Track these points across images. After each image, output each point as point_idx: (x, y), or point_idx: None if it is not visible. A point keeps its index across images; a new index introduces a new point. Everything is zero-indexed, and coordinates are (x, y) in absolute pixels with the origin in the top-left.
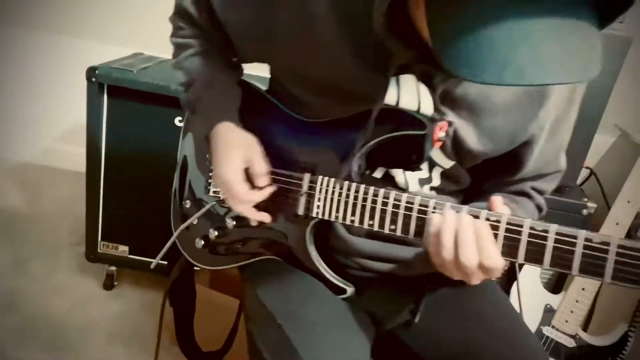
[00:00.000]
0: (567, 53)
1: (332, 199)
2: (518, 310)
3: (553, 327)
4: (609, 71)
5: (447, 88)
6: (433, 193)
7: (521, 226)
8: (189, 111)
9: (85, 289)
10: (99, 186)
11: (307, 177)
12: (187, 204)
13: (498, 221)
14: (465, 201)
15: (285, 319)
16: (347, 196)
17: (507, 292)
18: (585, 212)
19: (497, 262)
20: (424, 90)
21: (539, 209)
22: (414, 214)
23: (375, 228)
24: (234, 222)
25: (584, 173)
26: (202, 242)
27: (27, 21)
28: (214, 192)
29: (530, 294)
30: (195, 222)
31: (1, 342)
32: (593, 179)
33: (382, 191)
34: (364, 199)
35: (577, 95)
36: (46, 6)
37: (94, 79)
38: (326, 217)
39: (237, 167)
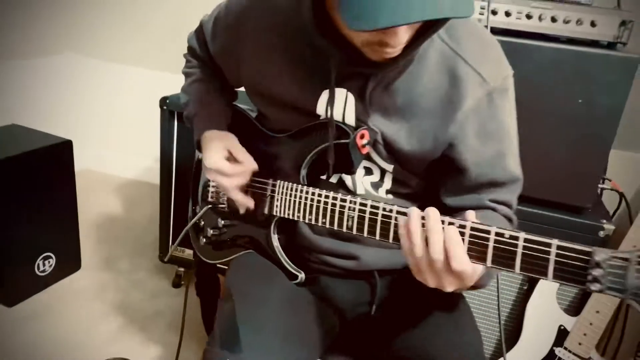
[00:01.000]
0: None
1: (287, 200)
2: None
3: (565, 348)
4: (618, 93)
5: (378, 98)
6: (390, 197)
7: (488, 232)
8: (188, 125)
9: (158, 285)
10: (171, 198)
11: (270, 182)
12: (197, 209)
13: (463, 226)
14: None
15: (238, 296)
16: (300, 197)
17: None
18: (602, 233)
19: (466, 263)
20: (350, 102)
21: (508, 219)
22: (347, 211)
23: (327, 225)
24: (225, 221)
25: (612, 196)
26: (205, 240)
27: (113, 56)
28: (212, 195)
29: (544, 313)
30: (201, 223)
31: (86, 323)
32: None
33: (324, 192)
34: (312, 200)
35: (498, 96)
36: (129, 43)
37: (165, 107)
38: (284, 216)
39: (219, 154)
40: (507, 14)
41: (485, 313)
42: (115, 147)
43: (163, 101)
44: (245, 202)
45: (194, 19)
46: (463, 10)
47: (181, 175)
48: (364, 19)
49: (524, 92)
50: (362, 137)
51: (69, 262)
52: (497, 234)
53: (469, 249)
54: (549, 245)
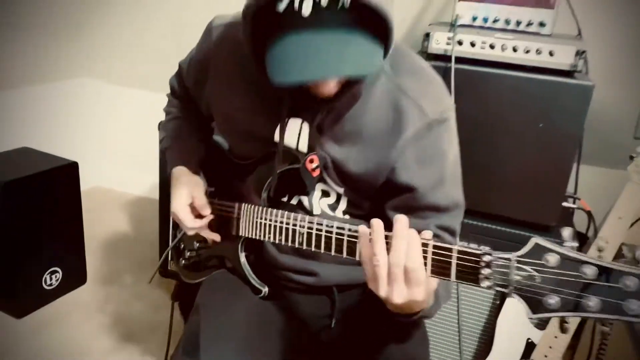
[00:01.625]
0: (330, 61)
1: (250, 222)
2: None
3: None
4: (576, 117)
5: (328, 126)
6: (346, 217)
7: (426, 245)
8: (165, 158)
9: (159, 298)
10: (170, 217)
11: (236, 205)
12: (177, 232)
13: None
14: None
15: (204, 309)
16: (260, 218)
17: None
18: None
19: (422, 275)
20: (304, 130)
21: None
22: (299, 229)
23: (283, 242)
24: (197, 244)
25: (582, 216)
26: (183, 262)
27: (117, 79)
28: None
29: (513, 327)
30: (180, 247)
31: (91, 335)
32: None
33: (280, 212)
34: (269, 220)
35: (437, 127)
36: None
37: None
38: (249, 236)
39: (183, 201)
40: (472, 44)
41: (454, 327)
42: (122, 165)
43: (161, 125)
44: (211, 237)
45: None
46: (360, 69)
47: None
48: (276, 74)
49: (488, 116)
50: (311, 161)
51: (75, 276)
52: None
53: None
54: (450, 250)
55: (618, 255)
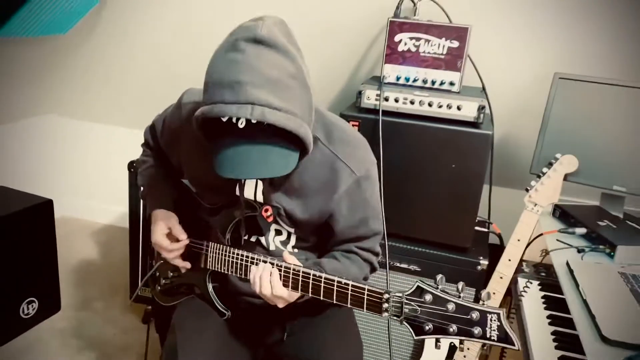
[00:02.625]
0: (255, 166)
1: (215, 257)
2: None
3: None
4: (480, 159)
5: (279, 182)
6: (296, 250)
7: (298, 271)
8: (144, 201)
9: (130, 321)
10: (139, 245)
11: (204, 243)
12: (153, 262)
13: (280, 267)
14: (320, 256)
15: (179, 331)
16: (223, 255)
17: None
18: (479, 267)
19: (282, 292)
20: (260, 186)
21: (367, 261)
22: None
23: (236, 274)
24: (173, 273)
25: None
26: (159, 287)
27: (82, 115)
28: (162, 257)
29: (431, 342)
30: (157, 275)
31: (66, 358)
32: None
33: (240, 251)
34: (230, 256)
35: (363, 182)
36: (99, 103)
37: (132, 170)
38: (215, 268)
39: (161, 230)
40: (396, 100)
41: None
42: (90, 196)
43: (130, 165)
44: (183, 265)
45: (161, 82)
46: (275, 172)
47: (147, 225)
48: (218, 169)
49: (411, 159)
50: (266, 210)
51: (50, 305)
52: (303, 274)
53: (283, 281)
54: (363, 290)
55: (518, 270)
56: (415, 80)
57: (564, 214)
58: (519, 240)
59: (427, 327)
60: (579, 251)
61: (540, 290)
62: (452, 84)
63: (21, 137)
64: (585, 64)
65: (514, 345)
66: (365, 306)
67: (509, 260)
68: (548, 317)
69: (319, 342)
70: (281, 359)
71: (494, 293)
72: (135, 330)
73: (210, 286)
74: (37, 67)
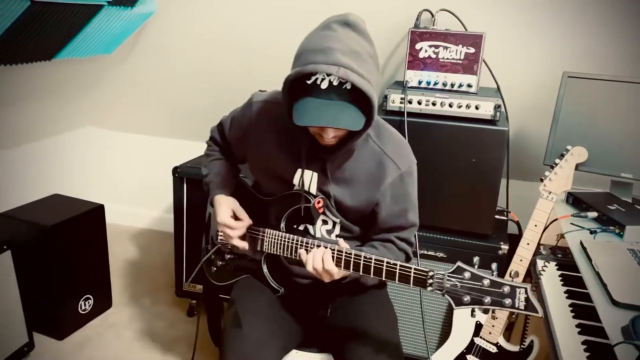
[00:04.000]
0: (331, 117)
1: (271, 242)
2: None
3: (480, 337)
4: (497, 153)
5: (332, 173)
6: (339, 239)
7: (350, 253)
8: (205, 188)
9: (176, 315)
10: (183, 244)
11: (261, 230)
12: (209, 247)
13: (333, 249)
14: (362, 244)
15: (239, 303)
16: (279, 239)
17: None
18: (500, 252)
19: (332, 267)
20: (314, 178)
21: (402, 250)
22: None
23: (290, 256)
24: (230, 256)
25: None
26: (215, 268)
27: (120, 127)
28: (220, 238)
29: (466, 314)
30: (212, 257)
31: (120, 350)
32: None
33: (290, 236)
34: (286, 241)
35: (406, 177)
36: (146, 116)
37: (177, 174)
38: (270, 251)
39: (227, 212)
40: (419, 102)
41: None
42: (131, 202)
43: (175, 170)
44: (243, 246)
45: (196, 97)
46: (346, 125)
47: (190, 226)
48: (297, 118)
49: (434, 155)
50: (318, 202)
51: (104, 301)
52: (355, 255)
53: (336, 262)
54: (410, 269)
55: (536, 252)
56: (435, 84)
57: (576, 200)
58: (536, 225)
59: (465, 299)
60: (591, 232)
61: (558, 270)
62: (469, 85)
63: (70, 148)
64: (591, 63)
65: (537, 313)
66: (411, 282)
67: (528, 243)
68: (565, 292)
69: (359, 315)
70: (326, 331)
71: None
72: (181, 323)
73: (265, 267)
74: (84, 84)
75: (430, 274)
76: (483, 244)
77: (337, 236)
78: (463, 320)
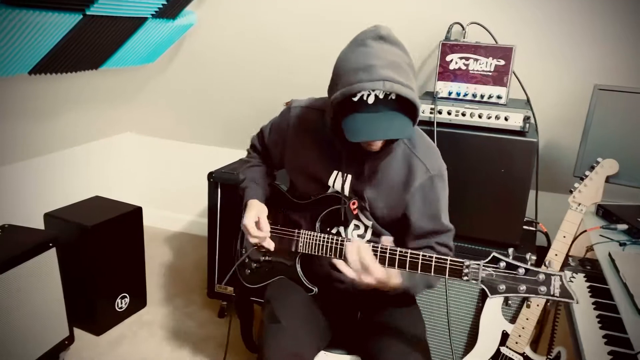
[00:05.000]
0: (384, 130)
1: (306, 242)
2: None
3: (507, 346)
4: (526, 164)
5: (367, 176)
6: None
7: (386, 248)
8: (241, 193)
9: (206, 316)
10: (216, 248)
11: (295, 231)
12: (243, 250)
13: (376, 246)
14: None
15: (275, 301)
16: (314, 239)
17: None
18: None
19: (372, 262)
20: (348, 180)
21: (443, 255)
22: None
23: (325, 255)
24: (264, 258)
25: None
26: (249, 271)
27: (158, 133)
28: (254, 243)
29: (492, 321)
30: (246, 261)
31: (153, 347)
32: None
33: (325, 235)
34: (321, 241)
35: (436, 180)
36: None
37: (211, 179)
38: (305, 251)
39: (252, 218)
40: (449, 112)
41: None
42: (166, 206)
43: (210, 175)
44: (269, 246)
45: (233, 106)
46: (400, 134)
47: (223, 230)
48: (352, 135)
49: (464, 165)
50: (353, 204)
51: (139, 300)
52: (393, 252)
53: (381, 259)
54: (446, 260)
55: (565, 263)
56: (465, 95)
57: (606, 212)
58: (564, 236)
59: (500, 287)
60: (621, 244)
61: (586, 281)
62: (499, 97)
63: (112, 153)
64: (622, 75)
65: (573, 299)
66: (447, 272)
67: (556, 254)
68: (593, 303)
69: (389, 318)
70: (356, 333)
71: None
72: (212, 323)
73: (299, 267)
74: (127, 92)
75: (467, 263)
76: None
77: (368, 241)
78: (489, 329)
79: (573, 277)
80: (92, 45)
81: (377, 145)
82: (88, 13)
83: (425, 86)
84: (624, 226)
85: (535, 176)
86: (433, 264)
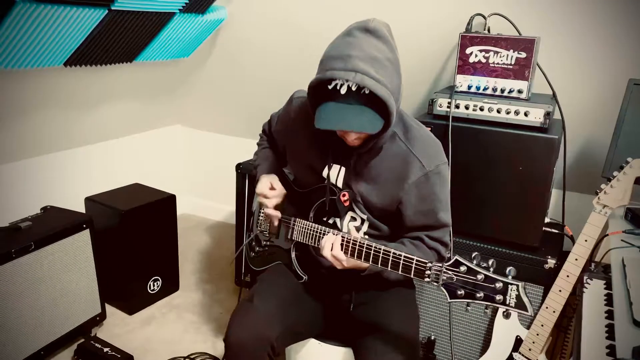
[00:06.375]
0: (348, 122)
1: (300, 231)
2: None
3: (520, 353)
4: (546, 162)
5: (359, 170)
6: (366, 236)
7: (356, 241)
8: (254, 171)
9: (234, 303)
10: (243, 237)
11: (292, 219)
12: (251, 234)
13: (344, 237)
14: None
15: (260, 283)
16: (307, 229)
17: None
18: (546, 266)
19: (340, 254)
20: (342, 172)
21: (432, 249)
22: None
23: (314, 245)
24: (267, 242)
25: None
26: (253, 254)
27: (202, 126)
28: (259, 229)
29: (506, 325)
30: (253, 243)
31: (181, 329)
32: None
33: (315, 225)
34: (312, 231)
35: (432, 176)
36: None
37: (239, 170)
38: (298, 240)
39: (265, 184)
40: (466, 107)
41: (461, 328)
42: (206, 196)
43: (238, 166)
44: (275, 215)
45: (265, 99)
46: (363, 129)
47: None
48: (317, 122)
49: (481, 162)
50: (344, 195)
51: (171, 284)
52: (361, 244)
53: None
54: (412, 259)
55: (586, 269)
56: (485, 89)
57: (634, 217)
58: (586, 240)
59: (459, 292)
60: None
61: (605, 289)
62: (520, 91)
63: (152, 144)
64: None
65: (527, 311)
66: (412, 272)
67: (576, 259)
68: (606, 312)
69: (380, 310)
70: (348, 324)
71: (560, 291)
72: None
73: (293, 254)
74: (164, 85)
75: (429, 265)
76: (529, 256)
77: (365, 234)
78: (503, 333)
79: (588, 282)
80: (122, 39)
81: (352, 137)
82: (113, 8)
83: (451, 80)
84: None
85: (563, 176)
86: (401, 262)
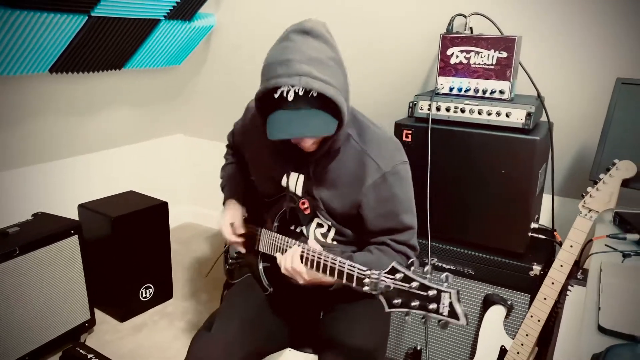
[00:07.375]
0: (301, 128)
1: (265, 241)
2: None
3: None
4: (528, 163)
5: (317, 177)
6: (334, 243)
7: (312, 252)
8: (222, 191)
9: None
10: None
11: (258, 229)
12: (226, 245)
13: (303, 250)
14: (357, 250)
15: (223, 304)
16: (271, 239)
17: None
18: (531, 273)
19: (300, 267)
20: (300, 180)
21: (401, 253)
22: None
23: (276, 255)
24: (236, 254)
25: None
26: (227, 266)
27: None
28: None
29: (491, 335)
30: (227, 255)
31: (171, 337)
32: None
33: (279, 236)
34: (277, 241)
35: (389, 177)
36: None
37: None
38: (265, 251)
39: (226, 220)
40: (447, 109)
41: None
42: (205, 205)
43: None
44: (240, 248)
45: None
46: (317, 133)
47: None
48: (270, 133)
49: (462, 165)
50: (303, 203)
51: (164, 292)
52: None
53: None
54: (354, 269)
55: (571, 275)
56: (467, 90)
57: (622, 221)
58: (571, 246)
59: (395, 301)
60: (624, 256)
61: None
62: (502, 92)
63: (154, 153)
64: None
65: (459, 320)
66: (354, 282)
67: (561, 266)
68: None
69: (346, 323)
70: (314, 334)
71: (545, 299)
72: None
73: (261, 265)
74: (162, 94)
75: (368, 273)
76: (513, 262)
77: (332, 240)
78: (488, 343)
79: (569, 289)
80: (107, 46)
81: (308, 143)
82: (93, 14)
83: (433, 83)
84: (635, 236)
85: (551, 180)
86: (345, 271)
